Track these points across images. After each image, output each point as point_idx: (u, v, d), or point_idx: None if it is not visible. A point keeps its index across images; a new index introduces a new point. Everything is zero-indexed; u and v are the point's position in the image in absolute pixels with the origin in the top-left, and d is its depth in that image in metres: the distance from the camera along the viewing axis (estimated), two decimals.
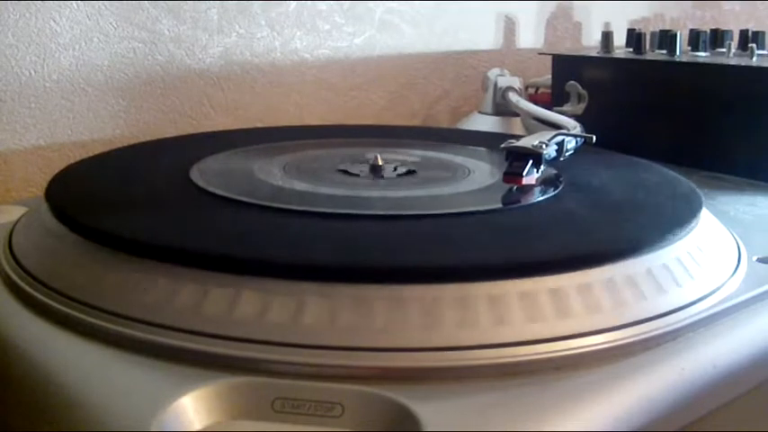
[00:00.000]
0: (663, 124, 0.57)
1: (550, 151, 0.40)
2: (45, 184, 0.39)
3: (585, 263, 0.29)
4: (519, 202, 0.38)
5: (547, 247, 0.31)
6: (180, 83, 0.59)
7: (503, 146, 0.40)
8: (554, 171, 0.42)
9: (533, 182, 0.39)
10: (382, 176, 0.42)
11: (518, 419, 0.23)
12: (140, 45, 0.57)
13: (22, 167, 0.53)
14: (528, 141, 0.40)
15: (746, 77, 0.53)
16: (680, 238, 0.32)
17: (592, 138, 0.45)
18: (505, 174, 0.38)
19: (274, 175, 0.42)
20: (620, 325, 0.27)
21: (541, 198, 0.37)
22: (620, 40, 0.64)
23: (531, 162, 0.38)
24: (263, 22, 0.63)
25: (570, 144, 0.43)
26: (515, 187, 0.38)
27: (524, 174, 0.38)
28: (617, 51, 0.63)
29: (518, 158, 0.39)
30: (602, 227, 0.34)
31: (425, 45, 0.74)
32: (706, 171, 0.52)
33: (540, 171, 0.39)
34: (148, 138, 0.54)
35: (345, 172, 0.43)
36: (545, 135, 0.42)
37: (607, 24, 0.87)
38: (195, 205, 0.36)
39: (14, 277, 0.32)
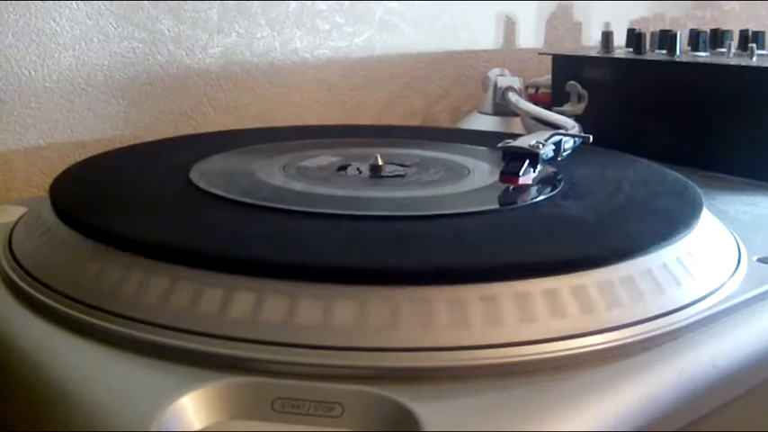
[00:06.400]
0: (663, 124, 0.57)
1: (547, 151, 0.40)
2: (45, 185, 0.39)
3: (585, 263, 0.29)
4: (517, 202, 0.38)
5: (545, 247, 0.31)
6: (180, 83, 0.59)
7: (499, 145, 0.40)
8: (553, 171, 0.42)
9: (530, 182, 0.39)
10: (382, 176, 0.42)
11: (518, 419, 0.23)
12: (140, 45, 0.57)
13: (22, 167, 0.53)
14: (525, 141, 0.40)
15: (746, 77, 0.53)
16: (680, 238, 0.32)
17: (589, 138, 0.45)
18: (502, 173, 0.38)
19: (274, 175, 0.42)
20: (619, 325, 0.27)
21: (542, 198, 0.37)
22: (620, 40, 0.64)
23: (527, 162, 0.38)
24: (262, 22, 0.63)
25: (568, 144, 0.43)
26: (512, 187, 0.38)
27: (521, 174, 0.38)
28: (617, 51, 0.63)
29: (515, 158, 0.39)
30: (602, 227, 0.34)
31: (425, 45, 0.74)
32: (706, 171, 0.52)
33: (536, 171, 0.39)
34: (148, 138, 0.54)
35: (345, 172, 0.43)
36: (542, 135, 0.42)
37: (607, 24, 0.87)
38: (196, 205, 0.36)
39: (14, 277, 0.32)
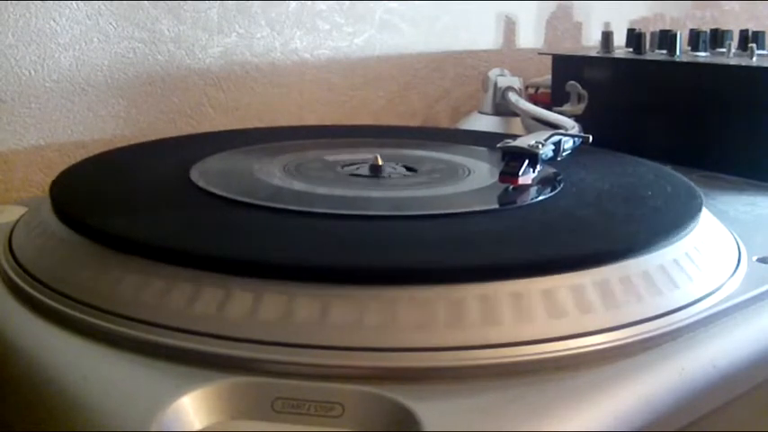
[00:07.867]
0: (663, 124, 0.57)
1: (547, 151, 0.40)
2: (45, 184, 0.39)
3: (585, 263, 0.29)
4: (516, 202, 0.38)
5: (545, 247, 0.31)
6: (180, 83, 0.59)
7: (499, 145, 0.40)
8: (553, 171, 0.42)
9: (529, 182, 0.39)
10: (382, 176, 0.42)
11: (518, 419, 0.23)
12: (140, 45, 0.57)
13: (22, 167, 0.53)
14: (524, 141, 0.40)
15: (746, 77, 0.53)
16: (680, 238, 0.32)
17: (588, 138, 0.45)
18: (501, 173, 0.39)
19: (274, 175, 0.42)
20: (619, 325, 0.27)
21: (542, 198, 0.37)
22: (620, 40, 0.64)
23: (527, 162, 0.38)
24: (262, 22, 0.63)
25: (567, 144, 0.43)
26: (511, 187, 0.38)
27: (520, 174, 0.38)
28: (617, 51, 0.63)
29: (514, 158, 0.39)
30: (601, 227, 0.34)
31: (425, 45, 0.74)
32: (706, 171, 0.52)
33: (536, 171, 0.39)
34: (148, 138, 0.54)
35: (345, 172, 0.43)
36: (541, 135, 0.42)
37: (607, 24, 0.87)
38: (196, 205, 0.36)
39: (14, 277, 0.32)
